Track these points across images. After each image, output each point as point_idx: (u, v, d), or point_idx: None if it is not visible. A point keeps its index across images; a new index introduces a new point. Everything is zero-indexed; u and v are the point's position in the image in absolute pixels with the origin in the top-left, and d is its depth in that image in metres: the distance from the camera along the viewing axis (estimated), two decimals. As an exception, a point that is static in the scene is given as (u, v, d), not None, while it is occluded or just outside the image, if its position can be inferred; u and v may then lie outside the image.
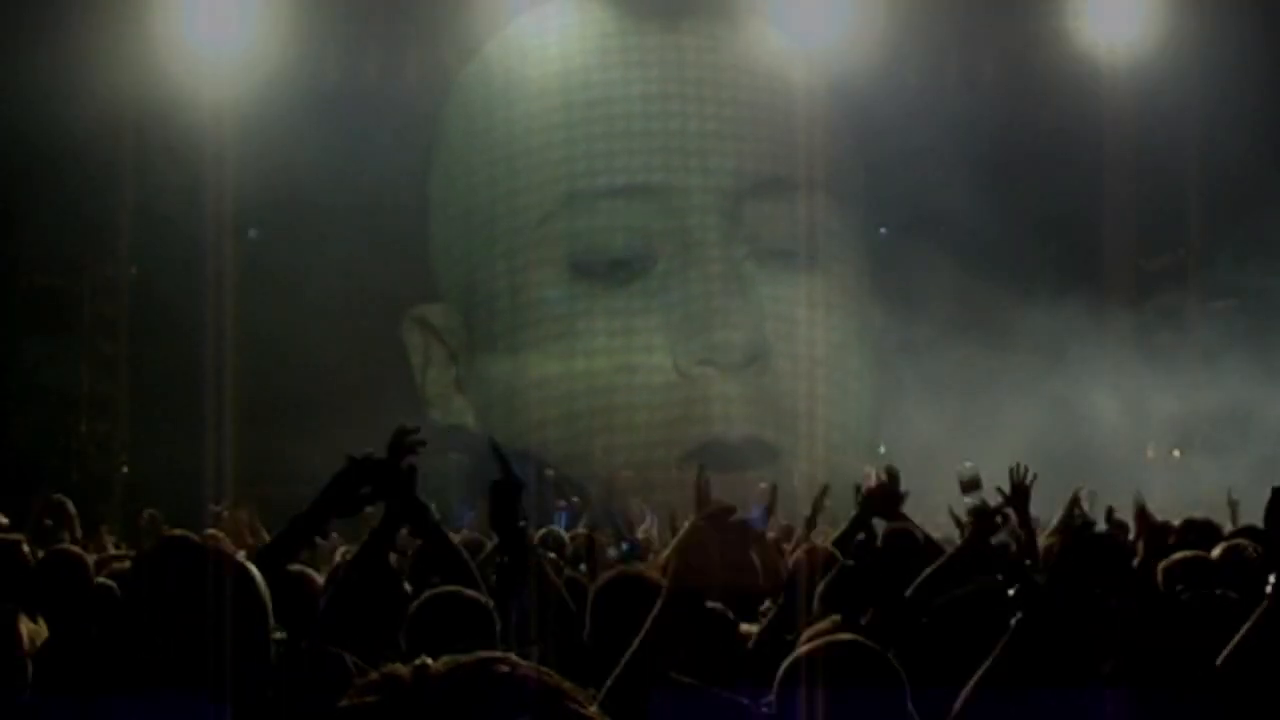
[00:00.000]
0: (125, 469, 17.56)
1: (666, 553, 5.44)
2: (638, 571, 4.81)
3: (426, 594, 4.76)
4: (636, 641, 3.23)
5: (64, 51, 15.47)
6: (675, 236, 18.18)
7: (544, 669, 1.58)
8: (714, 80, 18.69)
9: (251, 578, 3.24)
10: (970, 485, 8.15)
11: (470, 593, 4.74)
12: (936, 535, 7.83)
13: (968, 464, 8.45)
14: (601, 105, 18.55)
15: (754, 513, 11.66)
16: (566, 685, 1.57)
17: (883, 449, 18.63)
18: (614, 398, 18.31)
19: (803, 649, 2.99)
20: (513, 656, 1.58)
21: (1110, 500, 12.59)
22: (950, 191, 17.59)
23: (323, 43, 18.12)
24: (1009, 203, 17.29)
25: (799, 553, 6.53)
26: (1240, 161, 16.89)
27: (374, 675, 1.57)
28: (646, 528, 12.07)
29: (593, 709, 1.56)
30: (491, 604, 4.67)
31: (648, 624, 3.25)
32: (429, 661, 1.57)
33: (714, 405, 17.87)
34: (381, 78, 18.45)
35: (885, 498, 7.51)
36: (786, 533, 10.77)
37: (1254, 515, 8.93)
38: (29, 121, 15.56)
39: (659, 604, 3.28)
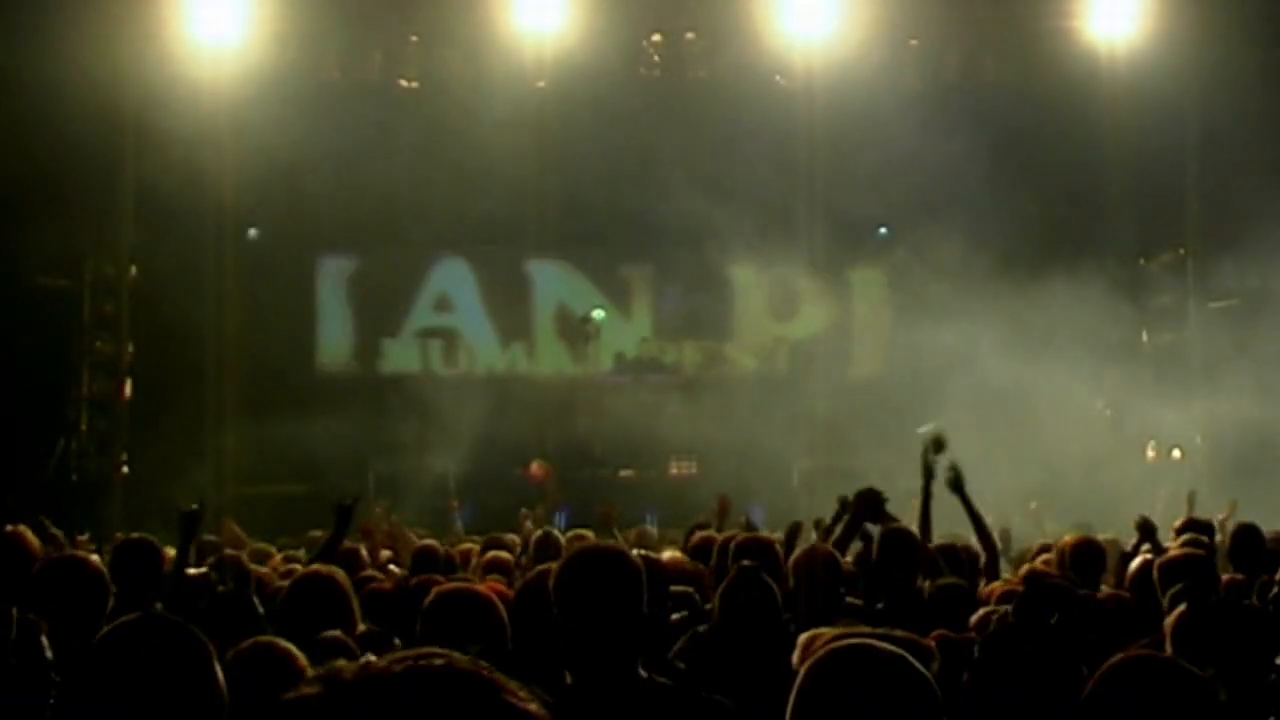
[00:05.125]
0: (125, 469, 17.55)
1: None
2: (617, 546, 4.21)
3: (436, 590, 4.84)
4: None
5: (64, 52, 15.45)
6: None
7: (482, 663, 1.60)
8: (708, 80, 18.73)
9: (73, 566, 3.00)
10: (938, 445, 8.27)
11: (480, 588, 4.78)
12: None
13: (929, 426, 8.56)
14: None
15: (754, 516, 11.72)
16: (505, 680, 1.58)
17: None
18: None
19: (831, 648, 2.90)
20: (453, 653, 1.60)
21: (1103, 500, 12.62)
22: (949, 191, 17.58)
23: (323, 41, 18.12)
24: (1008, 202, 17.27)
25: (799, 552, 6.63)
26: (1240, 161, 16.88)
27: (318, 671, 1.60)
28: (647, 529, 12.06)
29: (533, 705, 1.58)
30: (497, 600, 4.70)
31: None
32: (372, 659, 1.61)
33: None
34: (382, 75, 18.44)
35: (869, 502, 7.75)
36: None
37: (1253, 515, 8.93)
38: (29, 121, 15.55)
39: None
